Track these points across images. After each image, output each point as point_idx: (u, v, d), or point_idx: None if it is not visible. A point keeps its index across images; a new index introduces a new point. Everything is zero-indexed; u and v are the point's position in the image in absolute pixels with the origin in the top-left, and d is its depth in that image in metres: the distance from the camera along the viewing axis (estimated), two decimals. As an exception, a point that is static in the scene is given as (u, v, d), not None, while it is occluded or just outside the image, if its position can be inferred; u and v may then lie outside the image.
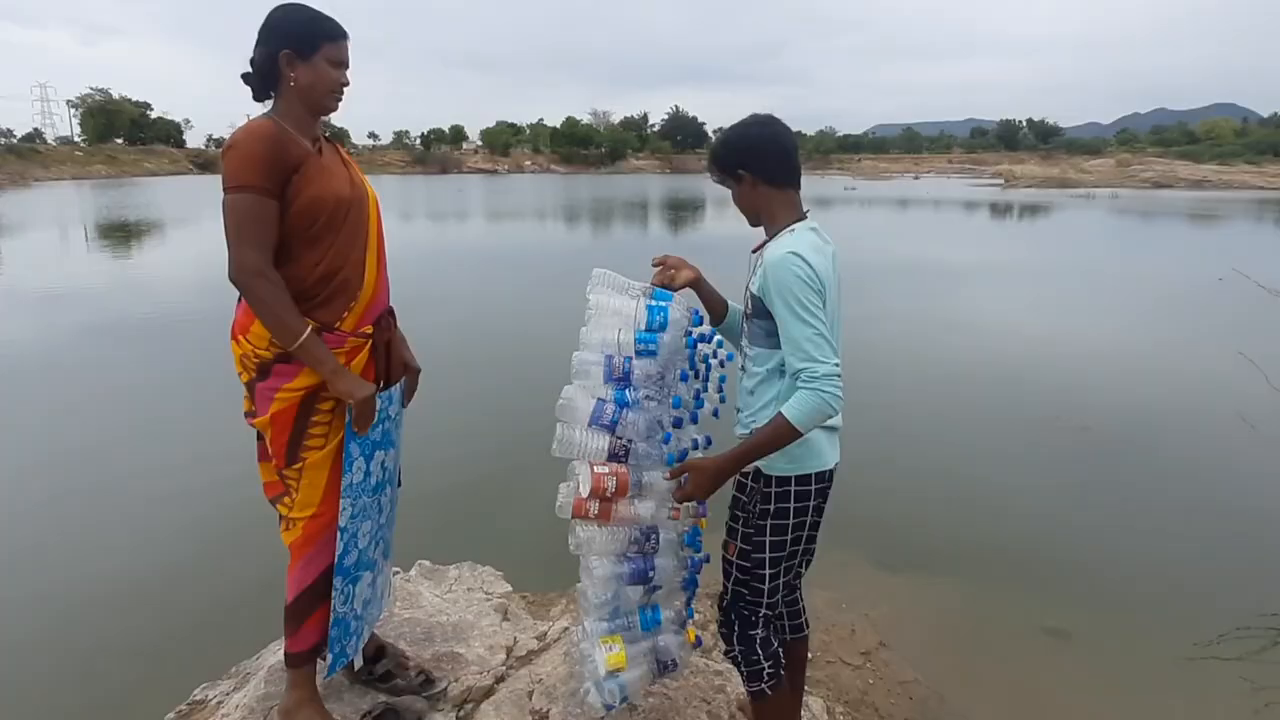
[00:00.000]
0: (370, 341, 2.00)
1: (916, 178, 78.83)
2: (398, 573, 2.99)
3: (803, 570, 2.16)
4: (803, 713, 2.46)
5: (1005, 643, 3.62)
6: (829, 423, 1.84)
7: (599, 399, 1.98)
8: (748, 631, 2.00)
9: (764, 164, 1.92)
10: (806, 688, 2.64)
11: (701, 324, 2.12)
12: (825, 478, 1.95)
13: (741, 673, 2.05)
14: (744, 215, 2.04)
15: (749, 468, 1.93)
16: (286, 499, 1.95)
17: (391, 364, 2.10)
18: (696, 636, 2.15)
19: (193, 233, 23.17)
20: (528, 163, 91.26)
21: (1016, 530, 4.65)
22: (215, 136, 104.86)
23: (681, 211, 32.69)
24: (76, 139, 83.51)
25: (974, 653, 3.53)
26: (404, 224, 26.39)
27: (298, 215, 1.84)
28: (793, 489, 1.91)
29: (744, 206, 2.02)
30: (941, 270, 15.49)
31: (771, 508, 1.92)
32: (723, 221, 29.08)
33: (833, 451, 1.96)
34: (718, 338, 2.20)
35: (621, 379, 1.99)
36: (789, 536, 1.95)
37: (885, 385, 7.47)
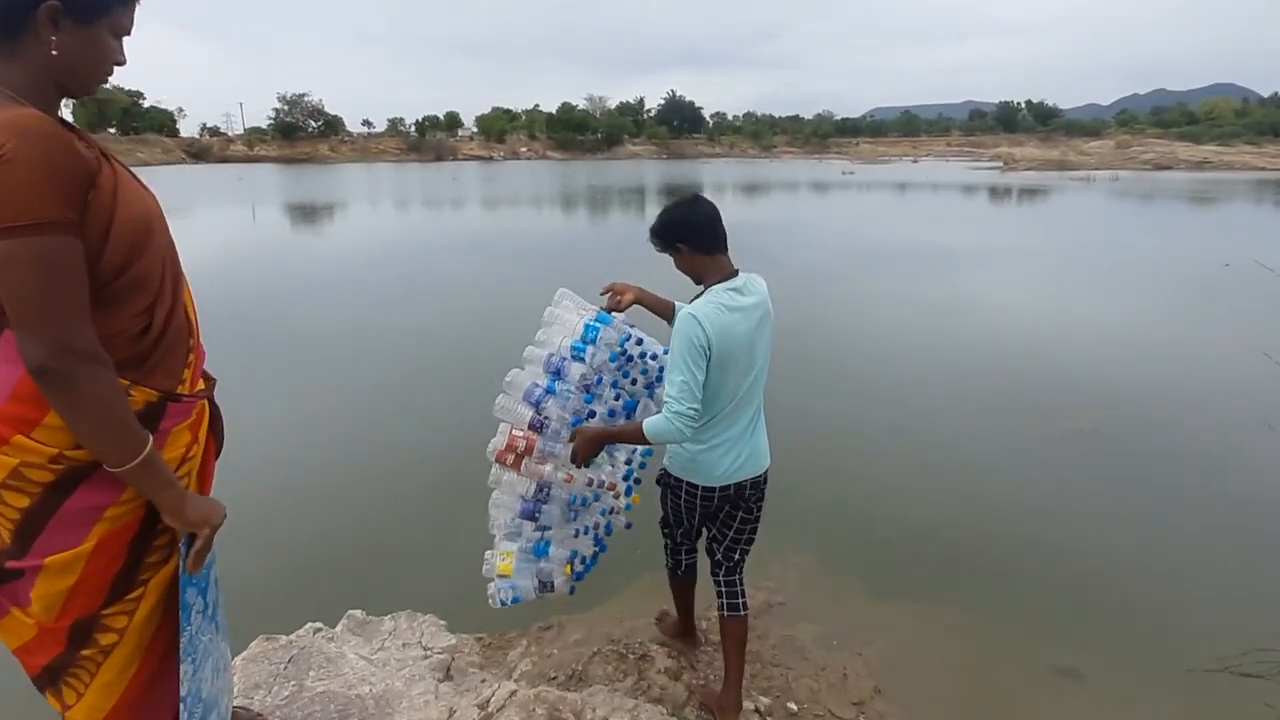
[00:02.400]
0: (207, 401, 1.59)
1: (915, 161, 78.17)
2: (319, 630, 2.62)
3: (735, 559, 2.67)
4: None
5: (1012, 687, 3.25)
6: (719, 449, 2.40)
7: (534, 383, 2.58)
8: (663, 532, 2.80)
9: (696, 236, 2.38)
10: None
11: (629, 343, 2.68)
12: (709, 493, 2.48)
13: None
14: (689, 276, 2.47)
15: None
16: (74, 678, 1.39)
17: (217, 420, 1.66)
18: (574, 573, 2.66)
19: (187, 222, 22.80)
20: (523, 149, 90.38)
21: (1021, 550, 4.27)
22: (209, 125, 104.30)
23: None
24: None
25: (978, 699, 3.17)
26: (399, 214, 25.99)
27: (114, 251, 1.30)
28: (683, 489, 2.51)
29: (686, 270, 2.46)
30: (941, 257, 15.09)
31: (664, 491, 2.63)
32: (719, 206, 28.63)
33: (723, 472, 2.43)
34: (647, 350, 2.73)
35: (555, 373, 2.59)
36: (679, 513, 2.59)
37: (880, 382, 7.11)
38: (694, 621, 3.16)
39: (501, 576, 2.59)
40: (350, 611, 2.82)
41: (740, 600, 2.63)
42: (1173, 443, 5.73)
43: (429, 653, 2.60)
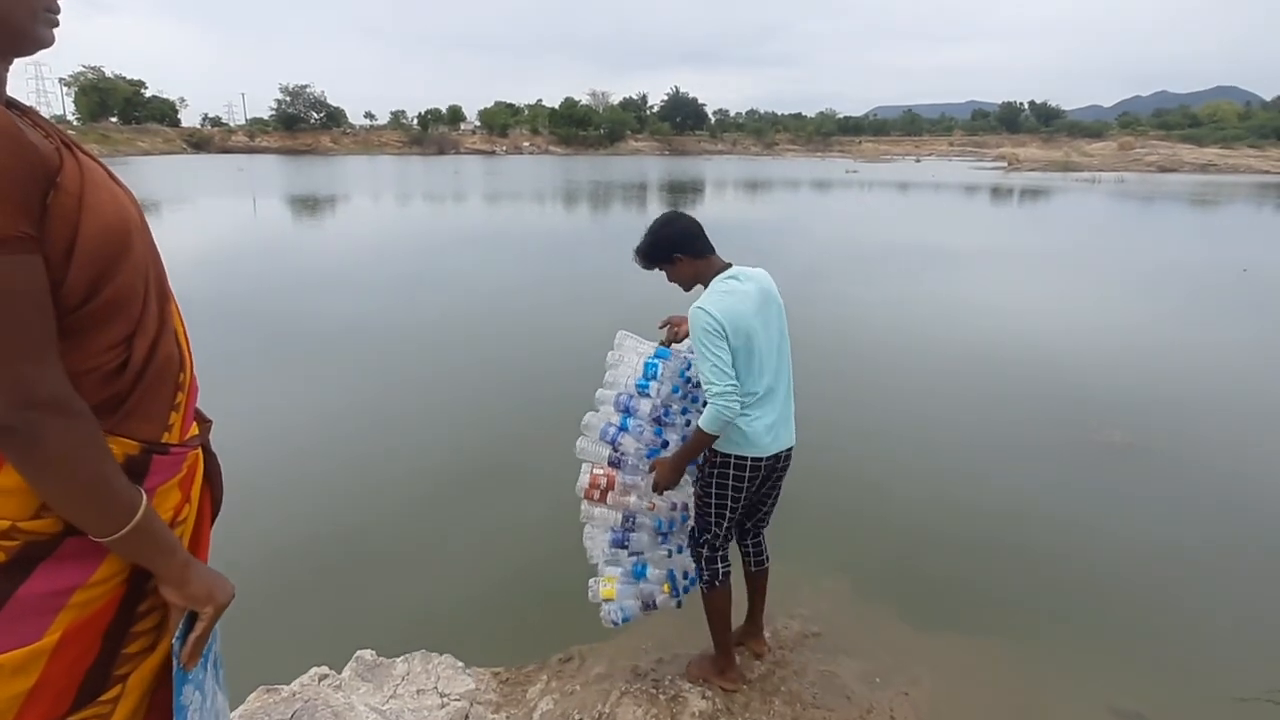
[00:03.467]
0: (201, 448, 1.30)
1: (918, 160, 77.93)
2: (325, 677, 2.38)
3: (763, 525, 3.02)
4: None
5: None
6: (763, 421, 2.57)
7: (608, 423, 2.86)
8: (696, 548, 2.82)
9: (690, 244, 2.59)
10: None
11: (690, 371, 2.88)
12: (757, 464, 2.62)
13: (695, 575, 2.88)
14: (682, 285, 2.71)
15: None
16: None
17: (214, 472, 1.36)
18: (672, 589, 2.92)
19: (189, 212, 22.61)
20: (526, 144, 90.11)
21: (1063, 573, 4.03)
22: (211, 115, 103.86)
23: (681, 194, 31.97)
24: (70, 118, 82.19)
25: (1036, 745, 2.95)
26: (401, 207, 25.74)
27: (81, 268, 1.02)
28: (731, 465, 2.62)
29: (683, 278, 2.67)
30: (959, 259, 14.87)
31: (714, 472, 2.66)
32: (722, 204, 28.42)
33: (768, 443, 2.61)
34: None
35: (625, 410, 2.86)
36: (728, 494, 2.66)
37: (899, 392, 6.86)
38: (733, 651, 2.99)
39: (607, 600, 2.82)
40: (360, 652, 2.59)
41: (765, 553, 3.05)
42: (1211, 457, 5.49)
43: (445, 700, 2.38)
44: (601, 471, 2.84)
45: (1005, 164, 62.49)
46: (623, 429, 2.84)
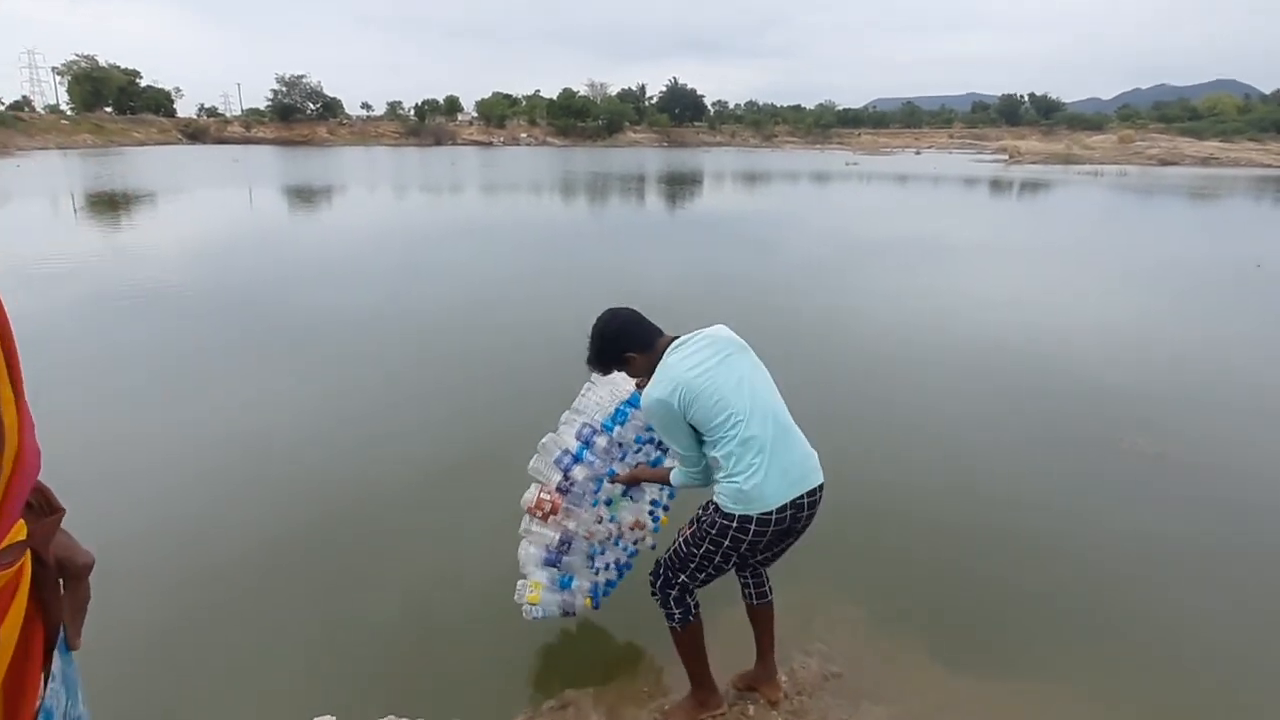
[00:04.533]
0: (23, 561, 0.89)
1: (918, 153, 77.59)
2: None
3: (768, 564, 2.82)
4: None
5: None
6: (763, 471, 2.35)
7: (565, 450, 2.98)
8: (665, 588, 2.62)
9: (634, 340, 2.54)
10: None
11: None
12: (766, 520, 2.39)
13: (662, 611, 2.66)
14: (644, 377, 2.61)
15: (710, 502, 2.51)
16: None
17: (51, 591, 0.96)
18: (593, 601, 3.12)
19: (185, 202, 22.26)
20: (523, 135, 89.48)
21: (1103, 604, 3.67)
22: (207, 106, 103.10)
23: (679, 186, 31.61)
24: (64, 107, 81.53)
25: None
26: (398, 199, 25.37)
27: None
28: (733, 525, 2.41)
29: (640, 372, 2.60)
30: (964, 254, 14.54)
31: (711, 529, 2.45)
32: (720, 196, 28.06)
33: (779, 492, 2.39)
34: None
35: (585, 442, 2.98)
36: (719, 554, 2.48)
37: (909, 396, 6.53)
38: (711, 679, 2.78)
39: (531, 604, 2.97)
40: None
41: (768, 586, 2.84)
42: (1256, 466, 5.16)
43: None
44: (548, 496, 2.97)
45: (1006, 157, 62.07)
46: (577, 459, 2.99)
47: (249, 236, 16.12)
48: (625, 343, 2.54)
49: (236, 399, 6.14)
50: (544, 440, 3.01)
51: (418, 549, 4.07)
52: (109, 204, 21.16)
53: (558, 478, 2.96)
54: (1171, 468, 5.12)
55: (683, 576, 2.58)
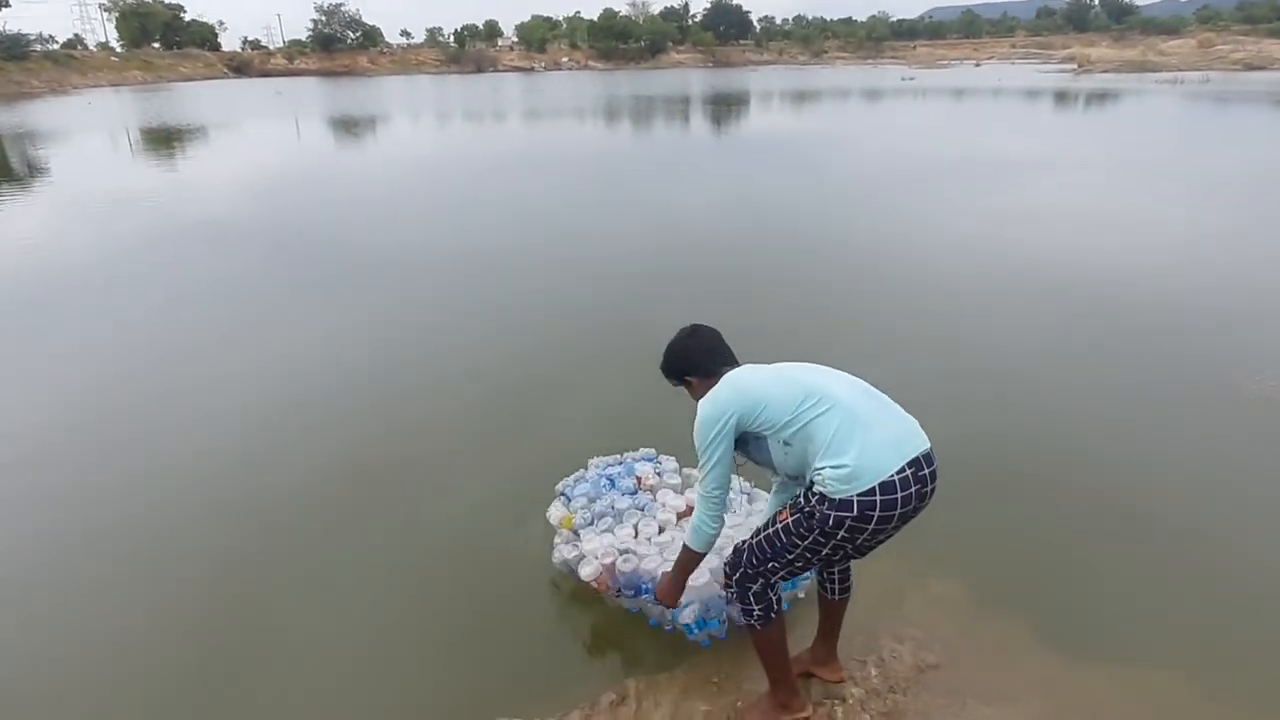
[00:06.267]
0: None
1: (978, 65, 73.72)
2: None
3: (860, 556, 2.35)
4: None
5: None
6: (869, 446, 2.02)
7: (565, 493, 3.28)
8: (746, 581, 2.28)
9: (699, 367, 2.40)
10: None
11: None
12: (890, 488, 2.01)
13: (738, 606, 2.34)
14: (697, 399, 2.34)
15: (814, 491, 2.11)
16: None
17: None
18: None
19: (235, 137, 22.15)
20: (564, 59, 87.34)
21: (1249, 590, 3.18)
22: (250, 38, 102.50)
23: (725, 108, 30.42)
24: (114, 44, 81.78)
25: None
26: (441, 128, 24.87)
27: None
28: (850, 516, 2.03)
29: (697, 396, 2.34)
30: (1055, 172, 13.59)
31: (827, 525, 2.07)
32: (766, 117, 26.93)
33: (885, 460, 2.02)
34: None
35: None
36: (828, 546, 2.13)
37: (996, 336, 5.98)
38: (795, 681, 2.46)
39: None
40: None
41: (851, 580, 2.56)
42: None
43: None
44: (595, 583, 2.82)
45: (1075, 66, 58.63)
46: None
47: (299, 172, 15.82)
48: (689, 366, 2.42)
49: (300, 332, 5.98)
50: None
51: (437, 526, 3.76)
52: (163, 140, 21.07)
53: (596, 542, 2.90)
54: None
55: (773, 565, 2.23)
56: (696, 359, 2.40)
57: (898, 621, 2.90)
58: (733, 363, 2.38)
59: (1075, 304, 6.48)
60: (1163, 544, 3.42)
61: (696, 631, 2.67)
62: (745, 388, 2.19)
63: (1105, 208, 10.50)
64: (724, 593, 2.57)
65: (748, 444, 2.28)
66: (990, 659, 2.73)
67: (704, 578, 2.60)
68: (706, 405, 2.21)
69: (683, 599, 2.57)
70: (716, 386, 2.25)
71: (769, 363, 2.32)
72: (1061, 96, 33.64)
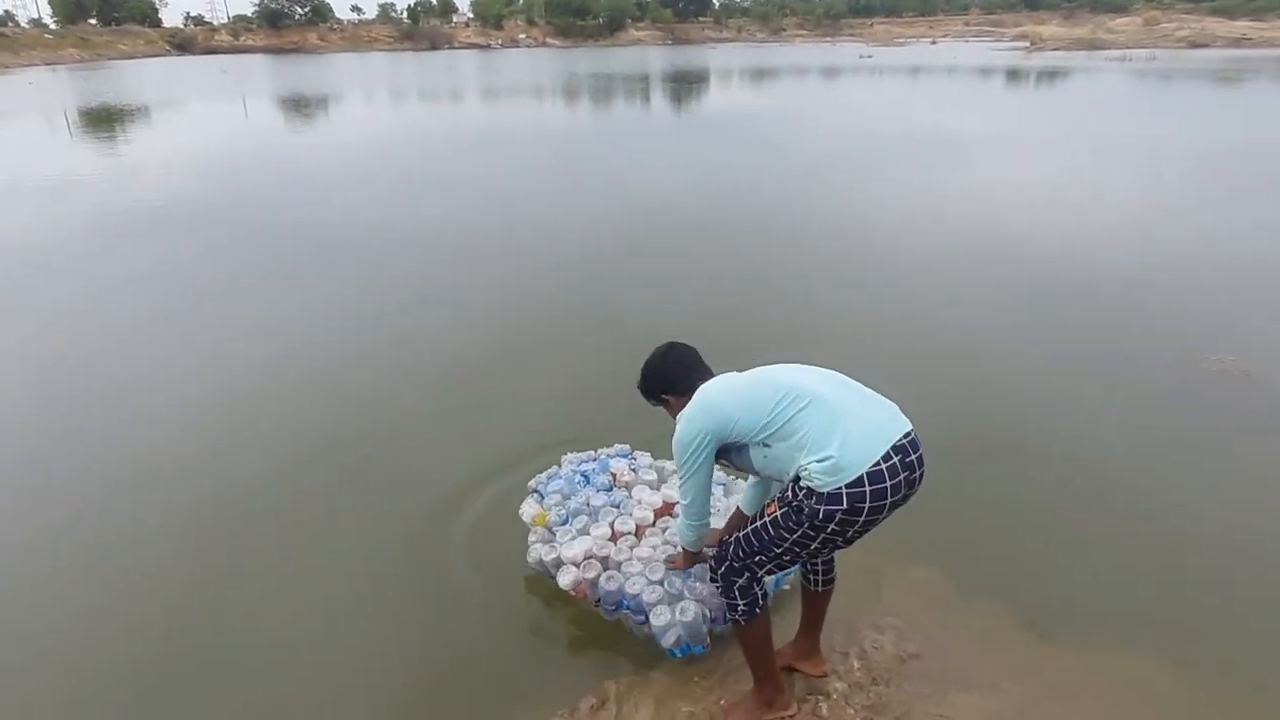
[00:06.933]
0: None
1: (934, 42, 74.41)
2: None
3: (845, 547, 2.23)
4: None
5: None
6: (851, 435, 1.99)
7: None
8: (731, 575, 2.24)
9: (676, 384, 2.38)
10: None
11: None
12: (878, 473, 1.97)
13: (723, 600, 2.32)
14: (675, 417, 2.33)
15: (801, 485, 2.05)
16: None
17: None
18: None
19: (180, 117, 21.44)
20: (522, 36, 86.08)
21: (1227, 570, 3.20)
22: (193, 14, 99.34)
23: (686, 85, 30.24)
24: (48, 20, 78.66)
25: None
26: (396, 107, 24.33)
27: None
28: (840, 509, 1.98)
29: (676, 413, 2.32)
30: (1017, 153, 13.71)
31: (817, 519, 2.01)
32: (726, 94, 26.83)
33: (871, 449, 1.98)
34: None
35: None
36: (817, 539, 2.07)
37: (948, 321, 6.00)
38: (780, 678, 2.42)
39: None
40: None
41: (835, 571, 2.52)
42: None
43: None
44: (574, 592, 2.74)
45: (1027, 44, 59.33)
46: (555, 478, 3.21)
47: (248, 154, 15.33)
48: (666, 384, 2.41)
49: (249, 319, 5.73)
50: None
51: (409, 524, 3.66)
52: (104, 121, 20.28)
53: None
54: (1262, 387, 4.61)
55: (760, 559, 2.19)
56: (674, 376, 2.39)
57: (877, 611, 2.88)
58: (709, 377, 2.34)
59: (1036, 283, 6.54)
60: (1130, 522, 3.45)
61: (679, 655, 2.60)
62: (717, 404, 2.17)
63: (1060, 185, 10.62)
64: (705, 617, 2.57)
65: (729, 453, 2.24)
66: (970, 646, 2.72)
67: (691, 613, 2.52)
68: (683, 425, 2.20)
69: (667, 631, 2.52)
70: (690, 404, 2.23)
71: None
72: (1015, 74, 34.00)
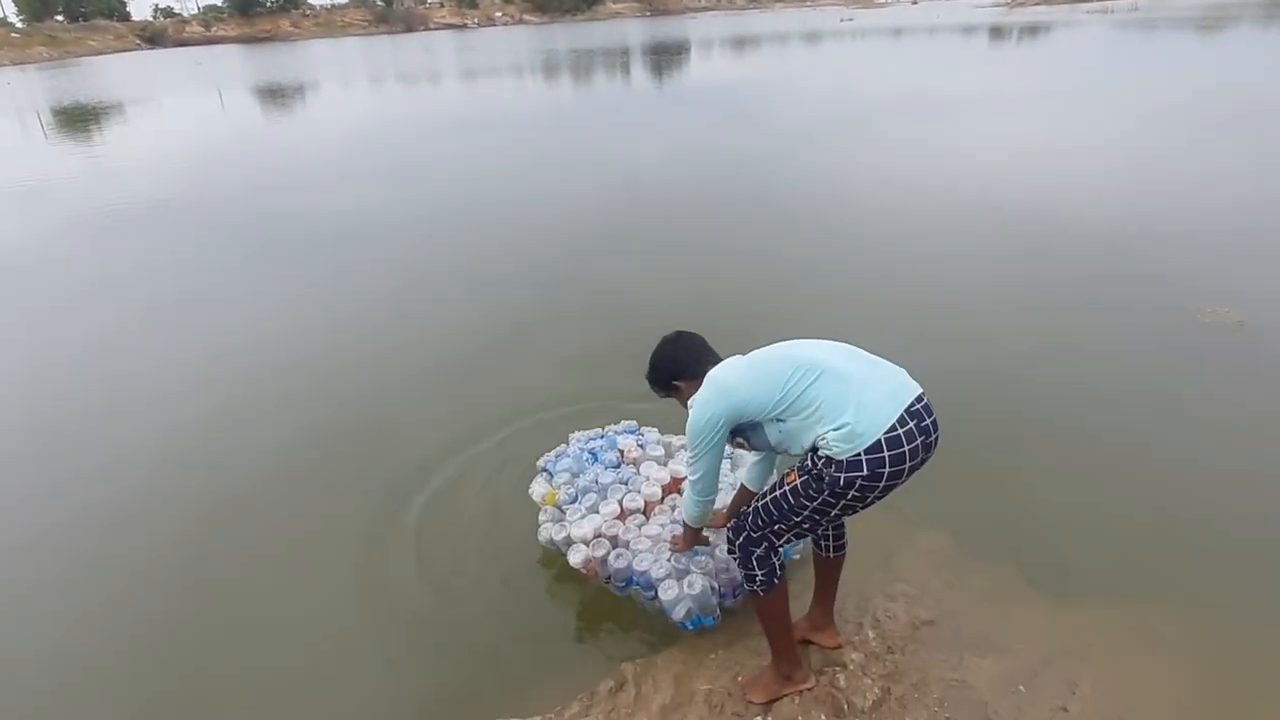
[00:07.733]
0: None
1: (915, 2, 73.54)
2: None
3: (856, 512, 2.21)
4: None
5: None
6: (864, 403, 2.01)
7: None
8: (749, 545, 2.24)
9: (686, 370, 2.38)
10: None
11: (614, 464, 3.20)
12: (894, 437, 1.99)
13: (740, 572, 2.31)
14: (687, 404, 2.36)
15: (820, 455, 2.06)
16: None
17: None
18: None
19: (156, 113, 21.18)
20: (498, 14, 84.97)
21: (1227, 521, 3.21)
22: (162, 6, 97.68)
23: (667, 57, 29.95)
24: (14, 19, 77.32)
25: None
26: (376, 92, 24.05)
27: None
28: (860, 476, 1.99)
29: (687, 400, 2.36)
30: (1003, 110, 13.63)
31: (838, 486, 2.03)
32: (707, 64, 26.60)
33: (885, 414, 2.00)
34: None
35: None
36: (837, 506, 2.09)
37: (945, 280, 5.98)
38: (798, 651, 2.44)
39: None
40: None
41: (846, 537, 2.54)
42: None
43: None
44: (584, 570, 2.79)
45: (1006, 1, 58.85)
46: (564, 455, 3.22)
47: (226, 147, 15.14)
48: (678, 370, 2.40)
49: (239, 309, 5.68)
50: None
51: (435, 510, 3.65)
52: (78, 119, 19.98)
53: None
54: (1257, 336, 4.62)
55: (779, 527, 2.19)
56: (685, 361, 2.38)
57: (890, 576, 2.89)
58: (717, 361, 2.34)
59: (1029, 239, 6.53)
60: (1130, 476, 3.47)
61: (690, 628, 2.63)
62: (730, 387, 2.17)
63: (1050, 140, 10.57)
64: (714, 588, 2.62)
65: (745, 432, 2.23)
66: (981, 609, 2.74)
67: (698, 585, 2.55)
68: (697, 410, 2.20)
69: (677, 605, 2.56)
70: (702, 389, 2.23)
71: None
72: (997, 31, 33.77)
